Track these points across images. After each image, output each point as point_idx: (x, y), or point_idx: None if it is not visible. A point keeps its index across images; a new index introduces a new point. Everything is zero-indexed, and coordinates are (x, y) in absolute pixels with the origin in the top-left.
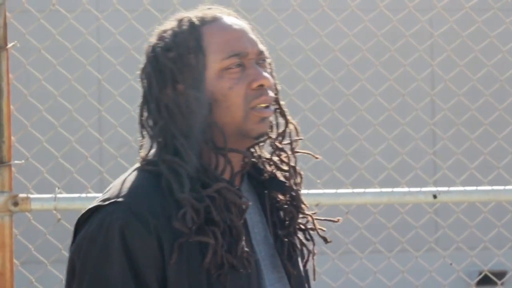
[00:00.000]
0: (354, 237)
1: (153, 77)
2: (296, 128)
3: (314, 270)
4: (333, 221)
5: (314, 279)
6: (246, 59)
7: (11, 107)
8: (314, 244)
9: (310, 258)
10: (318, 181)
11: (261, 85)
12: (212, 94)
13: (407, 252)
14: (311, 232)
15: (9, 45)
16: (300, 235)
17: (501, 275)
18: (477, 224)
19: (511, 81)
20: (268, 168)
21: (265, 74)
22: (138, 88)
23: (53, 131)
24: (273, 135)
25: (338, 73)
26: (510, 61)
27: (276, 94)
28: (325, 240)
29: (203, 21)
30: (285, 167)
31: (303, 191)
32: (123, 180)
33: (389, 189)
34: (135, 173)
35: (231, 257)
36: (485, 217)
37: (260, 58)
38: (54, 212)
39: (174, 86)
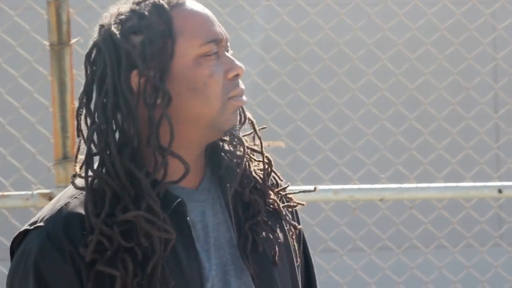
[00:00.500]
0: (419, 232)
1: (109, 65)
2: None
3: (296, 255)
4: (309, 191)
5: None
6: (220, 46)
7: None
8: (291, 225)
9: (295, 241)
10: (382, 176)
11: (237, 75)
12: (189, 83)
13: (472, 247)
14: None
15: (72, 40)
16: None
17: None
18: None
19: None
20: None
21: (239, 63)
22: None
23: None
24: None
25: (401, 67)
26: None
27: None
28: (294, 227)
29: (171, 4)
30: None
31: (366, 186)
32: (54, 200)
33: (454, 184)
34: (66, 191)
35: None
36: None
37: (227, 46)
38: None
39: (134, 75)
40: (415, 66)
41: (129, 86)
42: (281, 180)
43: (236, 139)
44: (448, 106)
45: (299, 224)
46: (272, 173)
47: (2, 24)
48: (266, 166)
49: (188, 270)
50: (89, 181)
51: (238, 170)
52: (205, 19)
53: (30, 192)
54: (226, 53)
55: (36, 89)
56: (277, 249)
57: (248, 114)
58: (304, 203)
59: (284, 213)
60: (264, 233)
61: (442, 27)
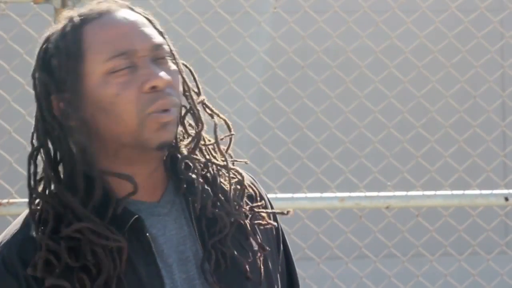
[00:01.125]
0: (424, 240)
1: (43, 87)
2: (227, 125)
3: (260, 273)
4: (283, 214)
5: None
6: (137, 58)
7: None
8: (263, 245)
9: (261, 260)
10: (389, 183)
11: (154, 87)
12: (99, 103)
13: (478, 255)
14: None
15: None
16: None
17: None
18: None
19: None
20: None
21: (161, 73)
22: None
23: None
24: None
25: (408, 75)
26: None
27: (189, 92)
28: (262, 247)
29: (86, 19)
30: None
31: (372, 194)
32: (13, 224)
33: (460, 192)
34: (24, 214)
35: None
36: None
37: (158, 53)
38: None
39: (53, 99)
40: (422, 74)
41: (51, 111)
42: (258, 191)
43: (184, 156)
44: (455, 114)
45: (278, 227)
46: (252, 186)
47: (10, 31)
48: (235, 181)
49: (148, 284)
50: (34, 202)
51: (197, 186)
52: (116, 31)
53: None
54: (149, 63)
55: None
56: (247, 265)
57: (222, 119)
58: (275, 224)
59: (250, 230)
60: (230, 250)
61: (449, 35)
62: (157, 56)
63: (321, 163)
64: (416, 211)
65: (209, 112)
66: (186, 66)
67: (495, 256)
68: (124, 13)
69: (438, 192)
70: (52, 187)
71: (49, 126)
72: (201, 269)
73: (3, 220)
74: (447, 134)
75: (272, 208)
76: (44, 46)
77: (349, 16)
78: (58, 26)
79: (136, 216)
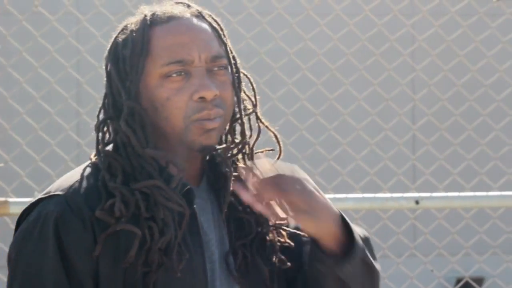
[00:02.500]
0: None
1: (106, 74)
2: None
3: None
4: (301, 235)
5: None
6: (192, 67)
7: None
8: (281, 261)
9: (280, 275)
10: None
11: (202, 97)
12: (152, 102)
13: (388, 258)
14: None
15: None
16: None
17: (480, 281)
18: (458, 230)
19: (495, 87)
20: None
21: (211, 85)
22: None
23: (33, 134)
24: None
25: (322, 77)
26: (494, 66)
27: (238, 104)
28: (283, 263)
29: (156, 21)
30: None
31: None
32: (68, 174)
33: (371, 195)
34: (81, 167)
35: (161, 256)
36: (466, 223)
37: (214, 65)
38: None
39: (124, 84)
40: (335, 76)
41: (120, 93)
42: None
43: (221, 159)
44: (367, 117)
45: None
46: None
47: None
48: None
49: (193, 252)
50: (102, 159)
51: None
52: (177, 40)
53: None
54: (203, 73)
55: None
56: (267, 273)
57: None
58: (293, 244)
59: (274, 244)
60: (252, 255)
61: (363, 38)
62: (212, 67)
63: None
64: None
65: (260, 123)
66: (246, 76)
67: (405, 259)
68: (191, 21)
69: (350, 195)
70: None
71: (119, 104)
72: (226, 262)
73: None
74: (359, 137)
75: None
76: (118, 36)
77: (263, 18)
78: (134, 19)
79: (188, 186)
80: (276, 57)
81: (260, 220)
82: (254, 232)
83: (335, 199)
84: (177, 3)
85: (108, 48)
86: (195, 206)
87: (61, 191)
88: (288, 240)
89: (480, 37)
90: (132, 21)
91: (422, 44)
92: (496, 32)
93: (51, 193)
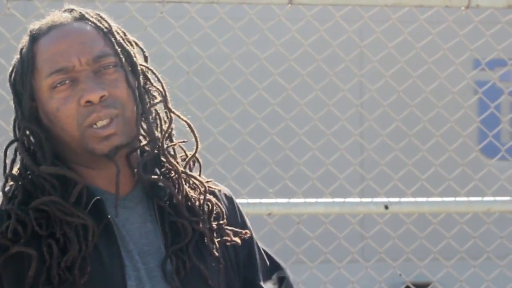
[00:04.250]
0: (305, 247)
1: (13, 95)
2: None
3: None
4: (242, 234)
5: None
6: (76, 72)
7: None
8: (220, 259)
9: (221, 274)
10: (270, 190)
11: (89, 101)
12: (47, 116)
13: (358, 263)
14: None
15: None
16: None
17: (424, 286)
18: (400, 235)
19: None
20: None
21: (95, 87)
22: None
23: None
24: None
25: (264, 82)
26: (436, 72)
27: (135, 98)
28: (218, 262)
29: (38, 34)
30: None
31: (255, 201)
32: None
33: (341, 199)
34: None
35: (63, 272)
36: (408, 228)
37: (99, 65)
38: None
39: (20, 105)
40: (278, 81)
41: (24, 114)
42: (229, 206)
43: (141, 161)
44: (310, 122)
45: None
46: (221, 200)
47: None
48: (202, 193)
49: (108, 263)
50: (6, 185)
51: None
52: (56, 49)
53: None
54: (89, 76)
55: None
56: (207, 272)
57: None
58: (239, 242)
59: (212, 247)
60: (190, 258)
61: (305, 43)
62: (99, 68)
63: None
64: (297, 219)
65: (171, 114)
66: (148, 68)
67: (347, 264)
68: (71, 26)
69: (320, 200)
70: (27, 171)
71: (20, 124)
72: (162, 270)
73: None
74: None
75: (243, 219)
76: (15, 58)
77: (206, 22)
78: (25, 38)
79: (97, 197)
80: (219, 62)
81: (193, 220)
82: (189, 236)
83: (306, 204)
84: (65, 10)
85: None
86: (109, 216)
87: None
88: (235, 238)
89: (422, 43)
90: (24, 40)
91: (365, 50)
92: (437, 38)
93: None
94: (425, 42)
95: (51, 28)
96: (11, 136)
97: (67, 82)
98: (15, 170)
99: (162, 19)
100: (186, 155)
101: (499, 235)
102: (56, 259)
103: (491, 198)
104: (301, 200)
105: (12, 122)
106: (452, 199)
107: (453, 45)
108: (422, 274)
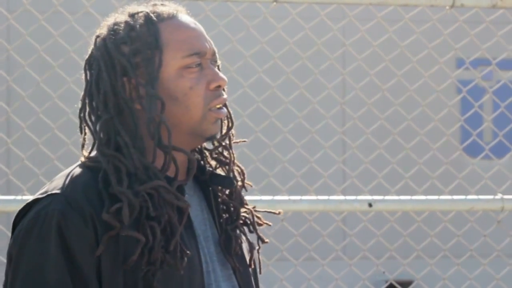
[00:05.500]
0: (289, 244)
1: (104, 71)
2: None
3: (259, 263)
4: (268, 225)
5: (260, 272)
6: (204, 59)
7: None
8: (259, 238)
9: (255, 253)
10: (255, 187)
11: (219, 86)
12: (171, 93)
13: (342, 260)
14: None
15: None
16: (245, 229)
17: (407, 284)
18: (384, 233)
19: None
20: (209, 165)
21: (222, 75)
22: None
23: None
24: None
25: (249, 79)
26: (420, 71)
27: None
28: (262, 240)
29: (160, 17)
30: (226, 164)
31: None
32: (62, 174)
33: (325, 197)
34: (75, 168)
35: (163, 254)
36: (391, 226)
37: (214, 58)
38: None
39: (125, 80)
40: (263, 79)
41: (124, 89)
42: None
43: (221, 148)
44: (294, 120)
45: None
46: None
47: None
48: (240, 178)
49: (188, 245)
50: (104, 161)
51: (227, 179)
52: (190, 33)
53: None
54: (210, 65)
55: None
56: (249, 254)
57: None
58: (271, 223)
59: (255, 224)
60: (239, 238)
61: (290, 41)
62: (213, 60)
63: None
64: (282, 216)
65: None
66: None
67: (331, 262)
68: (189, 18)
69: (304, 197)
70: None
71: (123, 102)
72: (221, 248)
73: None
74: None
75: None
76: (109, 34)
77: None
78: (117, 19)
79: (180, 183)
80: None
81: (242, 204)
82: (239, 218)
83: (290, 201)
84: (155, 4)
85: (90, 51)
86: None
87: (58, 189)
88: (265, 221)
89: (406, 42)
90: (120, 21)
91: (349, 49)
92: (421, 37)
93: (49, 192)
94: (409, 41)
95: (173, 16)
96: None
97: (197, 65)
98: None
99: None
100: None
101: (482, 233)
102: (159, 242)
103: (475, 197)
104: (286, 197)
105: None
106: (435, 197)
107: (437, 44)
108: (406, 272)
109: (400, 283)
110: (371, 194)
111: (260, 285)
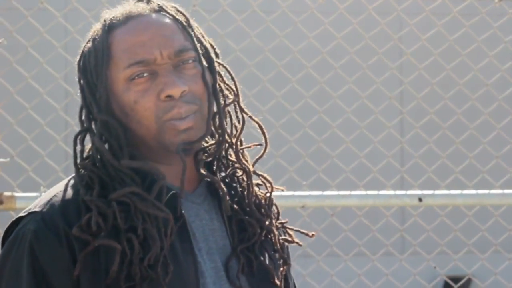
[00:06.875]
0: (339, 239)
1: (83, 85)
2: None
3: (288, 282)
4: (307, 235)
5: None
6: (156, 65)
7: None
8: (282, 259)
9: (282, 274)
10: (304, 183)
11: (170, 96)
12: (122, 108)
13: (392, 256)
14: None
15: None
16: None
17: (459, 279)
18: (434, 227)
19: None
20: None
21: (177, 81)
22: None
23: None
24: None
25: (297, 74)
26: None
27: (208, 96)
28: (285, 262)
29: (115, 24)
30: (240, 171)
31: (288, 193)
32: (51, 190)
33: (375, 192)
34: (63, 181)
35: (145, 269)
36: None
37: (179, 60)
38: None
39: (94, 97)
40: (311, 74)
41: (96, 103)
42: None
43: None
44: (344, 114)
45: (288, 256)
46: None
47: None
48: (268, 192)
49: (183, 260)
50: (79, 169)
51: (222, 188)
52: (136, 39)
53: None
54: (169, 70)
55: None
56: (273, 272)
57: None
58: (301, 243)
59: (278, 246)
60: (257, 258)
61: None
62: (179, 62)
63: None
64: (331, 211)
65: (243, 114)
66: (222, 65)
67: (407, 257)
68: (151, 18)
69: (353, 192)
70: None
71: (97, 117)
72: (226, 267)
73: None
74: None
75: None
76: (85, 46)
77: (239, 15)
78: (98, 26)
79: (173, 191)
80: (252, 55)
81: (261, 219)
82: (257, 234)
83: (339, 196)
84: (139, 0)
85: (77, 60)
86: (183, 212)
87: (38, 207)
88: (296, 240)
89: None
90: (96, 29)
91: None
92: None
93: (30, 210)
94: (458, 34)
95: (128, 18)
96: (75, 130)
97: (145, 74)
98: (84, 162)
99: (195, 13)
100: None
101: None
102: (137, 254)
103: None
104: (335, 192)
105: (78, 114)
106: (486, 191)
107: (488, 37)
108: (457, 267)
109: (451, 279)
110: (421, 189)
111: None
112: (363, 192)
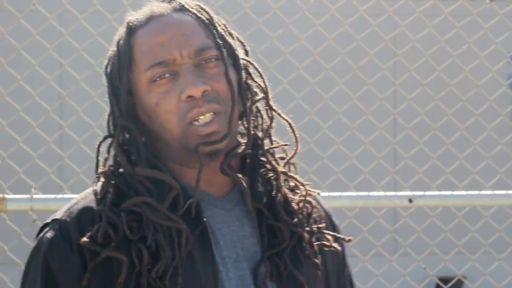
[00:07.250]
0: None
1: (108, 90)
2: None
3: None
4: (344, 240)
5: None
6: (177, 66)
7: None
8: (315, 265)
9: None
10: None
11: (190, 96)
12: (145, 111)
13: (383, 257)
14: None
15: None
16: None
17: (449, 280)
18: (424, 229)
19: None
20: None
21: (197, 81)
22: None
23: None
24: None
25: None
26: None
27: (232, 94)
28: (317, 268)
29: (137, 26)
30: (271, 173)
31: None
32: (79, 194)
33: (365, 193)
34: (89, 189)
35: (153, 280)
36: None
37: (201, 58)
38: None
39: (117, 101)
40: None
41: (120, 109)
42: (324, 213)
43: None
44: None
45: (343, 252)
46: (317, 204)
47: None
48: (302, 197)
49: (201, 270)
50: (98, 179)
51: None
52: (156, 40)
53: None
54: (190, 70)
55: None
56: (303, 279)
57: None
58: (339, 248)
59: (309, 248)
60: (286, 264)
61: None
62: (200, 61)
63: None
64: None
65: (271, 112)
66: (250, 62)
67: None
68: (171, 17)
69: (344, 193)
70: (119, 170)
71: (117, 121)
72: (254, 273)
73: None
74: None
75: (338, 231)
76: (111, 50)
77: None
78: (121, 30)
79: (191, 200)
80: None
81: (292, 223)
82: (287, 240)
83: (330, 197)
84: (162, 0)
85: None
86: (206, 219)
87: (60, 214)
88: (334, 244)
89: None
90: (120, 32)
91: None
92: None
93: (54, 217)
94: (450, 35)
95: (149, 19)
96: (95, 132)
97: (167, 75)
98: (106, 168)
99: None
100: (286, 154)
101: None
102: (146, 265)
103: None
104: (325, 193)
105: (106, 118)
106: (476, 192)
107: (479, 38)
108: (447, 268)
109: (441, 279)
110: (412, 190)
111: None
112: (354, 193)
